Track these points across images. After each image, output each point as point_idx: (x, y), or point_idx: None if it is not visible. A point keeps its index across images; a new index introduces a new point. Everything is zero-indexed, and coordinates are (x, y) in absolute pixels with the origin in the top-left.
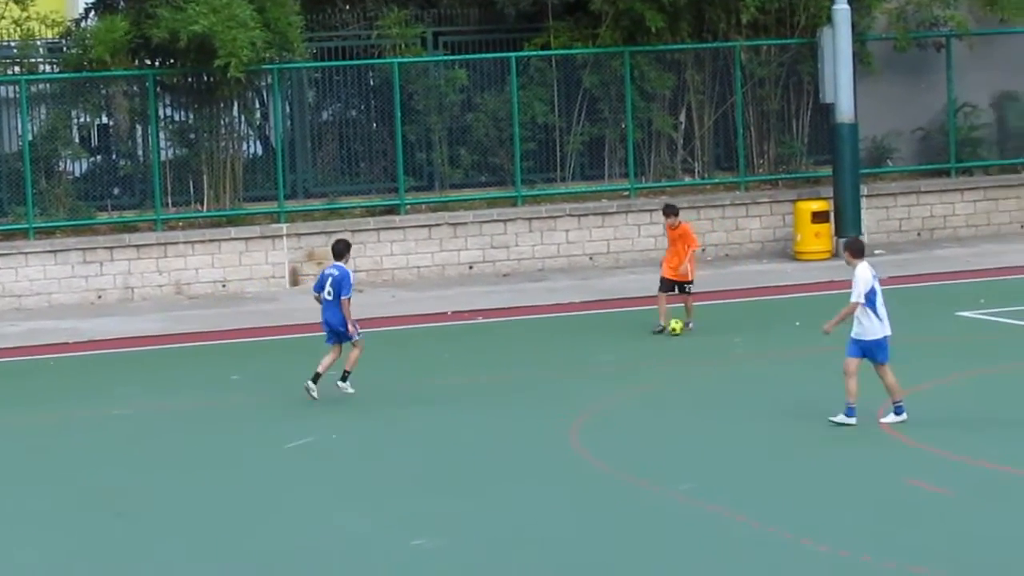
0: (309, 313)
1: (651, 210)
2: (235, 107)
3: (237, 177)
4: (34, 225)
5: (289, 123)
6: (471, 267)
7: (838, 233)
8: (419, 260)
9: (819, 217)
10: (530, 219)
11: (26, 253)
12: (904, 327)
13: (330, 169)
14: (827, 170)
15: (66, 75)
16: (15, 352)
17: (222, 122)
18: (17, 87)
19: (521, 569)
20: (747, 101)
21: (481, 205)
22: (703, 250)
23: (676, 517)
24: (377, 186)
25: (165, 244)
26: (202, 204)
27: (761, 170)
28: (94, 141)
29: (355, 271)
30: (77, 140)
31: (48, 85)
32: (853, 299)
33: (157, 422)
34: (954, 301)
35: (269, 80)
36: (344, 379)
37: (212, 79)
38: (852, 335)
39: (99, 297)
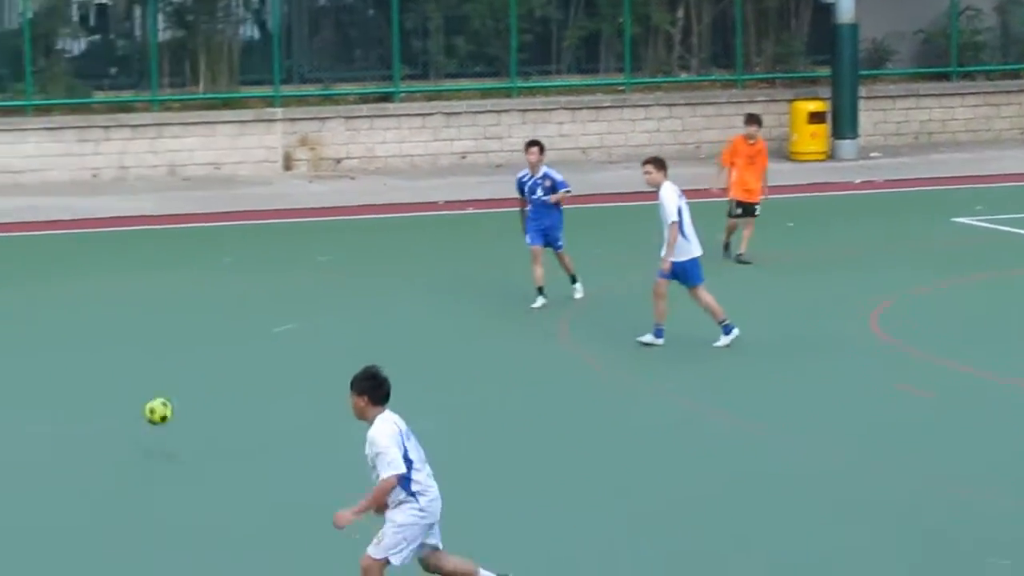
0: (301, 199)
1: (646, 105)
2: None
3: (234, 60)
4: (32, 103)
5: (286, 7)
6: (464, 157)
7: (835, 134)
8: (412, 149)
9: (816, 118)
10: (524, 111)
11: (24, 130)
12: (899, 231)
13: (326, 55)
14: (826, 70)
15: None
16: (10, 228)
17: (219, 4)
18: None
19: None
20: None
21: (475, 96)
22: (697, 147)
23: None
24: (372, 73)
25: (160, 125)
26: (198, 86)
27: (759, 69)
28: (92, 20)
29: (348, 158)
30: (76, 19)
31: None
32: (671, 219)
33: (144, 301)
34: (951, 207)
35: None
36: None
37: None
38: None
39: (94, 176)
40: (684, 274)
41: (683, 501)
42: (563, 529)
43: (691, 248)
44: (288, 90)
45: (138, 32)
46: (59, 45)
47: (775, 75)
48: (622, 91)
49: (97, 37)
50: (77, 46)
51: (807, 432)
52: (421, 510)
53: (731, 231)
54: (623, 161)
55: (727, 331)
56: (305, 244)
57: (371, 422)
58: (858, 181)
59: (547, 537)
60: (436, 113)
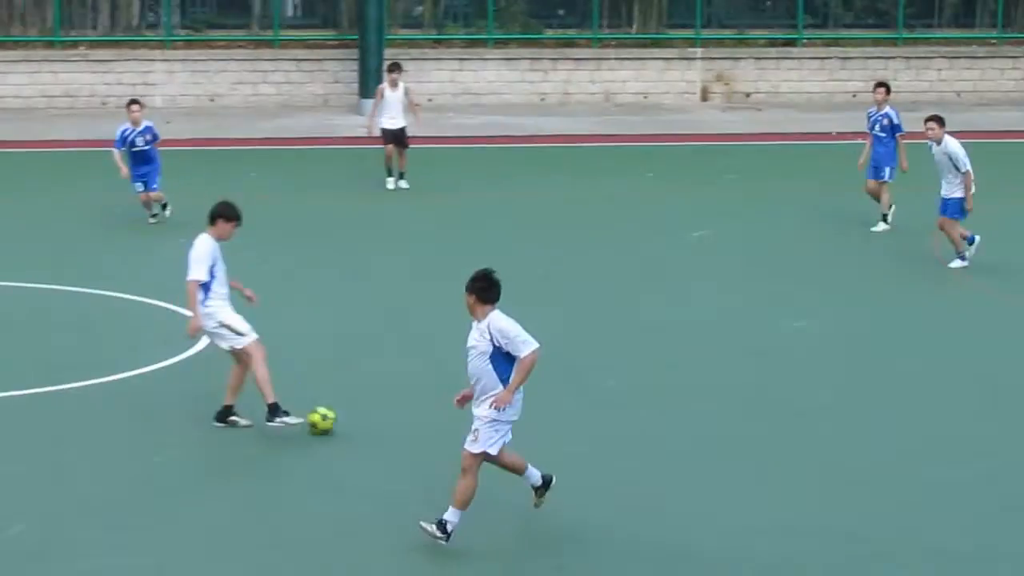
0: (715, 125)
1: (1014, 57)
2: None
3: (662, 7)
4: (493, 36)
5: None
6: (854, 95)
7: None
8: (811, 87)
9: None
10: (908, 58)
11: (485, 59)
12: None
13: (740, 4)
14: None
15: None
16: (472, 140)
17: None
18: None
19: None
20: None
21: (867, 44)
22: None
23: None
24: (779, 21)
25: (599, 59)
26: (631, 27)
27: None
28: None
29: (756, 93)
30: None
31: None
32: (966, 168)
33: (588, 202)
34: None
35: None
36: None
37: None
38: None
39: (542, 100)
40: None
41: None
42: None
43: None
44: (707, 33)
45: None
46: None
47: None
48: (995, 44)
49: None
50: None
51: None
52: (511, 406)
53: None
54: (992, 104)
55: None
56: (716, 163)
57: (484, 317)
58: None
59: None
60: (832, 58)
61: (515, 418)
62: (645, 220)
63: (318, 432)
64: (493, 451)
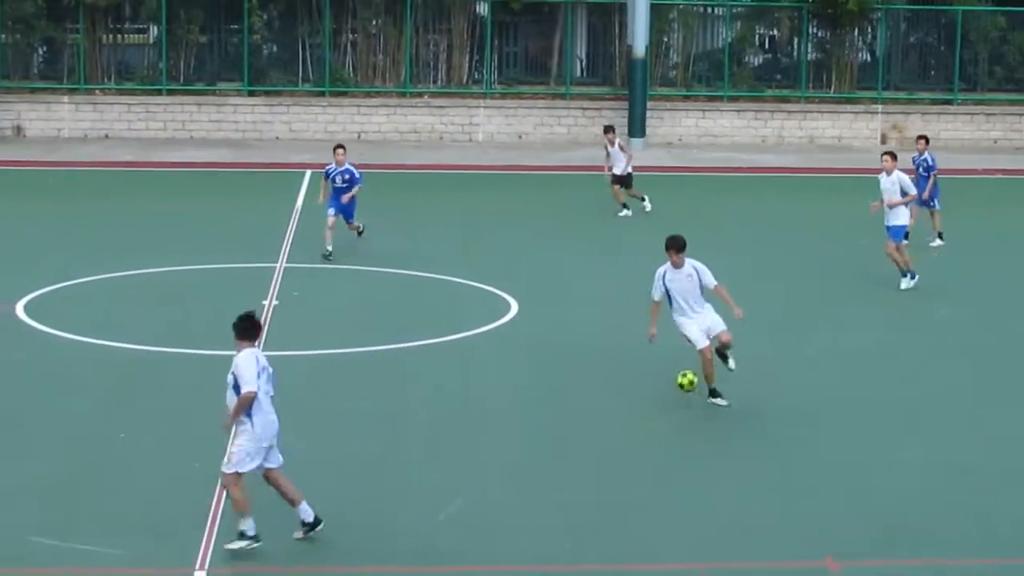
0: None
1: None
2: None
3: (853, 72)
4: (727, 93)
5: None
6: (995, 142)
7: None
8: (962, 135)
9: None
10: None
11: (721, 111)
12: None
13: (911, 71)
14: None
15: None
16: (710, 170)
17: None
18: None
19: None
20: None
21: (1005, 103)
22: None
23: None
24: (940, 85)
25: (805, 111)
26: (830, 88)
27: None
28: None
29: None
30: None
31: None
32: (912, 192)
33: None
34: None
35: None
36: None
37: None
38: None
39: (762, 141)
40: None
41: None
42: None
43: None
44: (887, 93)
45: None
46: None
47: None
48: None
49: None
50: None
51: None
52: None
53: None
54: None
55: None
56: None
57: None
58: None
59: None
60: (979, 113)
61: (265, 444)
62: (832, 231)
63: (685, 391)
64: (242, 469)
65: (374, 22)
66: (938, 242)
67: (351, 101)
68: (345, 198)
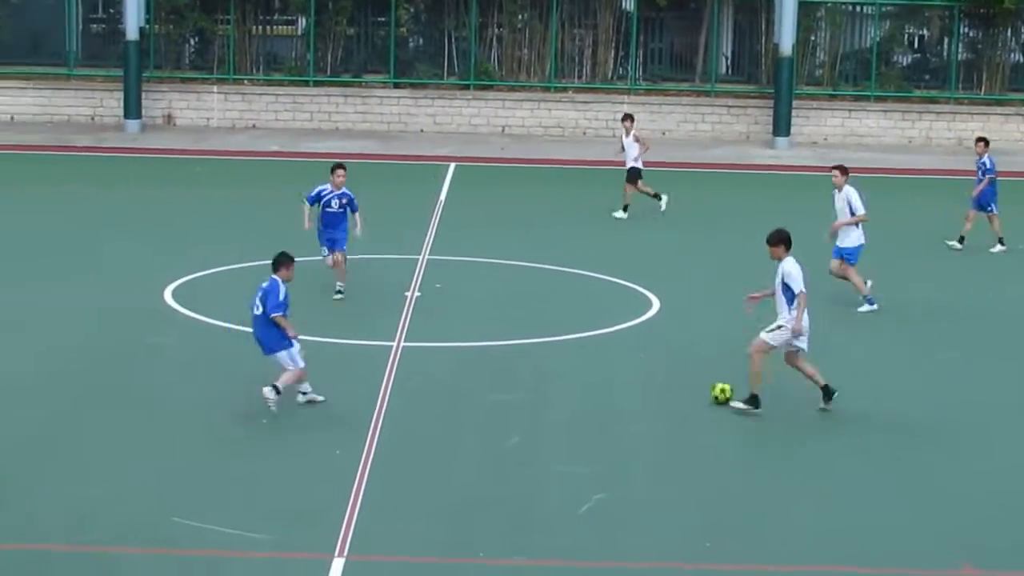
0: None
1: None
2: None
3: (1004, 73)
4: (874, 93)
5: None
6: None
7: None
8: None
9: None
10: None
11: (867, 111)
12: None
13: None
14: None
15: None
16: (855, 171)
17: None
18: None
19: None
20: None
21: None
22: None
23: None
24: None
25: (954, 113)
26: (980, 89)
27: None
28: None
29: None
30: None
31: None
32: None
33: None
34: None
35: None
36: None
37: None
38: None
39: (909, 142)
40: None
41: None
42: None
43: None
44: None
45: None
46: None
47: None
48: None
49: None
50: None
51: None
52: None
53: None
54: None
55: None
56: None
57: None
58: None
59: None
60: None
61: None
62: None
63: (721, 402)
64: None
65: (520, 16)
66: (998, 247)
67: (495, 95)
68: (358, 231)
